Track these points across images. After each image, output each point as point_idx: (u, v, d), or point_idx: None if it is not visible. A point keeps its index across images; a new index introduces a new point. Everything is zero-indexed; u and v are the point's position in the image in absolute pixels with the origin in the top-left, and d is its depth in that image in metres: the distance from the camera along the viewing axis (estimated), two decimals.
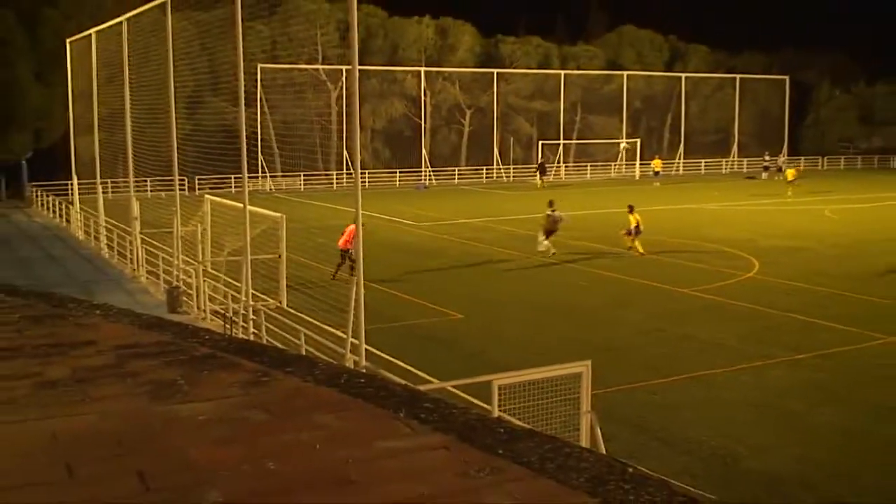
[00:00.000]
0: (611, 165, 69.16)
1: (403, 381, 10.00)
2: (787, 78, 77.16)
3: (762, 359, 17.38)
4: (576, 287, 24.87)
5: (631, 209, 30.42)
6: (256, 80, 53.37)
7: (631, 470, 1.84)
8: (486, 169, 64.67)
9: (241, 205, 18.63)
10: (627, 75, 70.60)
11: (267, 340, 16.04)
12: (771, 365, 16.98)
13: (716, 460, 12.49)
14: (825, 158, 78.24)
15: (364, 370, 11.84)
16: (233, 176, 46.53)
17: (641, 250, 29.68)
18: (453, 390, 12.18)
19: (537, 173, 58.99)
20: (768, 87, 78.99)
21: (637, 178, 65.13)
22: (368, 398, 2.34)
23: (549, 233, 29.98)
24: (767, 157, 65.84)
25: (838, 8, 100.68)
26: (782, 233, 35.18)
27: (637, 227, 30.06)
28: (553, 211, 30.47)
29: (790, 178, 53.93)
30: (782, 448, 12.87)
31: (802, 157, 76.98)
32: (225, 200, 22.86)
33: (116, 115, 30.14)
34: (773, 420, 14.02)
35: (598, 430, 10.43)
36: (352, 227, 25.56)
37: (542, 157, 62.71)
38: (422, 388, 9.92)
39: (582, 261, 28.82)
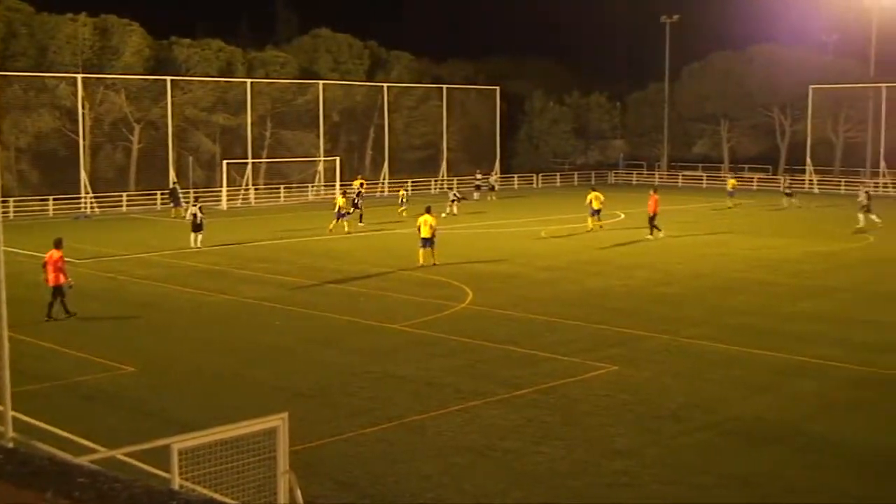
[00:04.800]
0: (308, 187, 69.66)
1: (55, 453, 9.56)
2: (497, 88, 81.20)
3: (479, 397, 18.16)
4: (271, 327, 24.84)
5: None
6: None
7: None
8: (161, 194, 63.01)
9: None
10: (323, 84, 71.59)
11: None
12: (488, 404, 17.77)
13: None
14: (540, 175, 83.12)
15: (10, 444, 11.21)
16: None
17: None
18: (125, 459, 11.78)
19: (171, 202, 57.46)
20: (478, 97, 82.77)
21: None
22: (8, 477, 2.26)
23: None
24: (479, 175, 68.91)
25: (549, 16, 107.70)
26: (496, 257, 37.00)
27: None
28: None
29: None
30: (503, 494, 13.50)
31: (516, 175, 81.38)
32: None
33: None
34: (493, 464, 14.69)
35: (298, 493, 10.47)
36: (51, 252, 25.38)
37: (173, 182, 61.28)
38: (84, 459, 9.54)
39: (277, 298, 28.83)
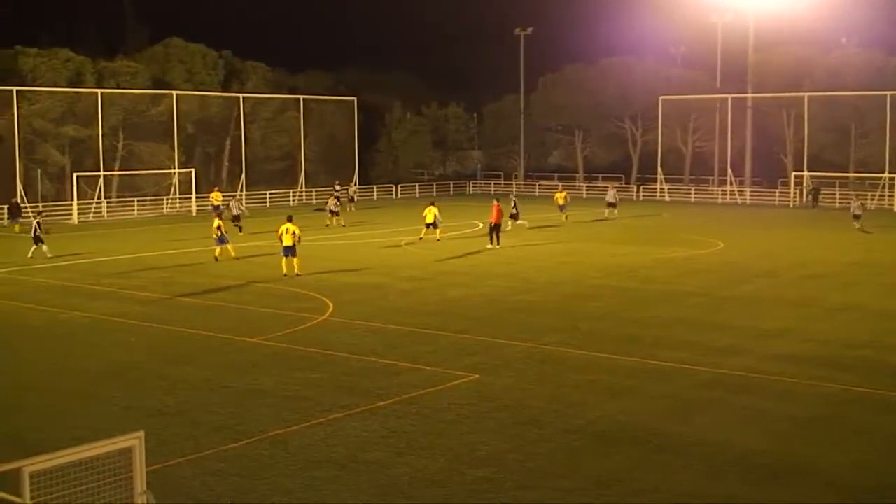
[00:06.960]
0: (163, 200, 68.36)
1: None
2: (354, 99, 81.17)
3: (341, 410, 18.10)
4: (125, 344, 24.25)
5: None
6: None
7: None
8: (9, 208, 60.85)
9: None
10: (177, 95, 70.34)
11: None
12: (350, 416, 17.74)
13: None
14: (399, 186, 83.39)
15: None
16: None
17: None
18: None
19: (9, 217, 56.75)
20: (335, 108, 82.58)
21: (195, 213, 65.02)
22: None
23: None
24: (338, 187, 68.66)
25: (405, 28, 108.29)
26: (356, 268, 36.96)
27: None
28: None
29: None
30: None
31: (375, 186, 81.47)
32: None
33: None
34: (356, 476, 14.65)
35: None
36: None
37: (14, 197, 59.68)
38: None
39: (131, 314, 28.18)
